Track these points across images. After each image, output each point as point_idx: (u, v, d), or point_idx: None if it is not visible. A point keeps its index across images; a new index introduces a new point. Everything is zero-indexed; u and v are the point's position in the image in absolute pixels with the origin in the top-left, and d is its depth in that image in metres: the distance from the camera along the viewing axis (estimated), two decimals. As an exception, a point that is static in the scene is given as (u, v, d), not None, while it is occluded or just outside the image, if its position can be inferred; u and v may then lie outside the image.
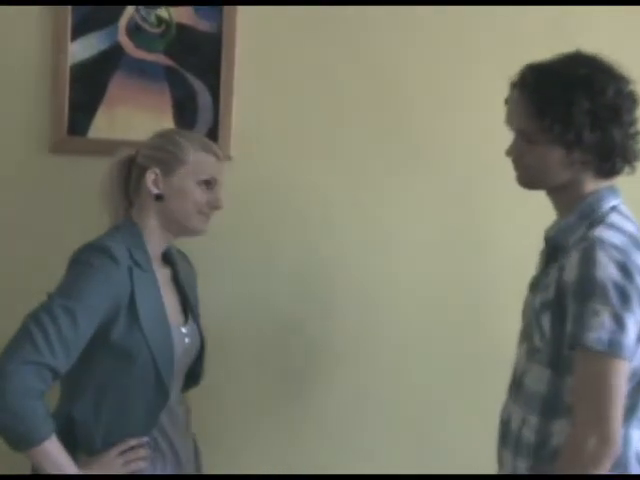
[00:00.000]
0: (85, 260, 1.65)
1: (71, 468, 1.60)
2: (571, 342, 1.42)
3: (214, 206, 1.80)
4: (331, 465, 2.21)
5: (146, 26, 2.15)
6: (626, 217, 1.51)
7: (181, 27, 2.15)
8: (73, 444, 1.65)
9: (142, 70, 2.16)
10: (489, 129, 2.12)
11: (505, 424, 1.59)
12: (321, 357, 2.22)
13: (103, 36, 2.16)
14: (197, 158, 1.77)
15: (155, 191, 1.76)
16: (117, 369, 1.67)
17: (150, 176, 1.75)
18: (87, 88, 2.15)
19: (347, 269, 2.20)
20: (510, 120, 1.57)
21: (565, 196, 1.54)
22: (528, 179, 1.57)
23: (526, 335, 1.59)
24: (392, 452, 2.22)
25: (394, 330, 2.21)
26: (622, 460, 1.44)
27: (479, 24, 2.15)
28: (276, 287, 2.20)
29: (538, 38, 2.09)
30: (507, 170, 2.09)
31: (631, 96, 1.51)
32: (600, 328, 1.37)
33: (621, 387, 1.39)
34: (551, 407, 1.48)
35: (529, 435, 1.50)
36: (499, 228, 2.19)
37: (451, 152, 2.18)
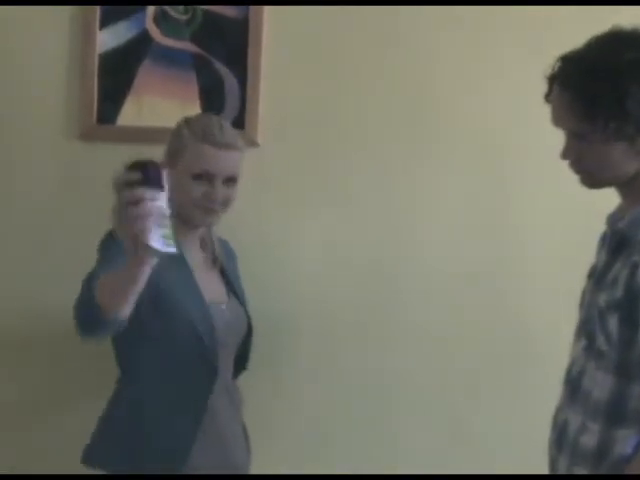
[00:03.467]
0: (110, 239, 1.64)
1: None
2: None
3: (212, 200, 1.74)
4: (362, 452, 2.21)
5: (173, 13, 2.16)
6: None
7: (208, 14, 2.15)
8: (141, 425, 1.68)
9: (169, 58, 2.16)
10: (521, 115, 2.14)
11: (561, 429, 1.49)
12: (350, 342, 2.21)
13: (131, 24, 2.17)
14: (192, 150, 1.74)
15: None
16: (164, 347, 1.69)
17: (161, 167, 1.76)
18: (115, 76, 2.16)
19: (374, 255, 2.19)
20: (558, 121, 1.44)
21: (635, 187, 1.42)
22: (593, 180, 1.45)
23: (586, 332, 1.47)
24: (424, 444, 2.22)
25: (424, 317, 2.19)
26: None
27: (509, 11, 2.13)
28: (305, 272, 2.19)
29: (569, 24, 2.06)
30: (539, 157, 2.11)
31: None
32: None
33: None
34: (615, 415, 1.38)
35: (589, 442, 1.41)
36: (531, 214, 2.17)
37: (482, 138, 2.16)
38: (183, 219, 1.76)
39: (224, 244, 1.95)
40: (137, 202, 1.31)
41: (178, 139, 1.76)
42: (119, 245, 1.42)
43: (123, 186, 1.33)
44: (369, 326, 2.20)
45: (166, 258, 1.56)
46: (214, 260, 1.88)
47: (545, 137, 2.05)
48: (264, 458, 2.02)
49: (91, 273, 1.55)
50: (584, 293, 1.54)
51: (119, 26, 2.17)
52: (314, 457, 2.20)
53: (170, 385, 1.72)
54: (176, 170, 1.73)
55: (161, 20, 2.16)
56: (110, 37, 2.16)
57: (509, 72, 2.14)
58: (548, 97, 1.45)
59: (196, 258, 1.80)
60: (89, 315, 1.46)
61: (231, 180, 1.78)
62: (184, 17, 2.16)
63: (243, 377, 1.94)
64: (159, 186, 1.34)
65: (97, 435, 1.78)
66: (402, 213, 2.19)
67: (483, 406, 2.19)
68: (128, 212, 1.30)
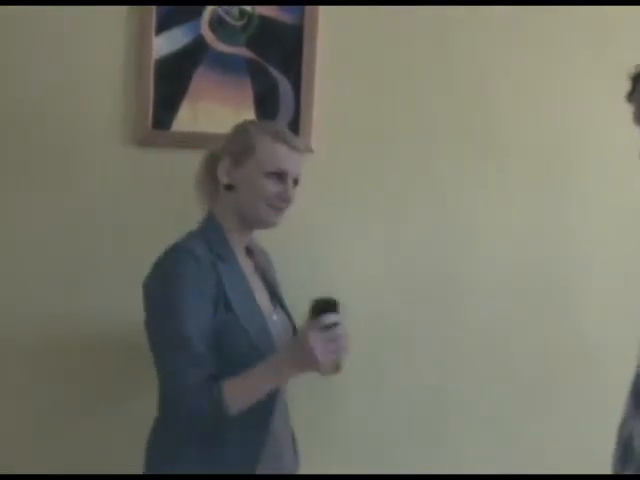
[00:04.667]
0: (169, 268, 1.65)
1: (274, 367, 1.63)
2: None
3: (284, 199, 1.75)
4: (393, 450, 2.20)
5: (229, 19, 2.16)
6: None
7: (263, 19, 2.15)
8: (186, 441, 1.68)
9: (224, 63, 2.17)
10: (572, 125, 2.11)
11: (625, 442, 1.46)
12: (403, 342, 2.19)
13: (186, 30, 2.18)
14: (267, 148, 1.73)
15: (225, 181, 1.75)
16: (225, 363, 1.66)
17: (221, 166, 1.76)
18: (171, 82, 2.17)
19: (431, 267, 2.18)
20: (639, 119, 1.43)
21: None
22: None
23: None
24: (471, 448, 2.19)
25: (484, 332, 2.17)
26: None
27: (565, 23, 2.11)
28: (358, 282, 2.18)
29: (623, 36, 2.03)
30: (599, 169, 2.08)
31: None
32: None
33: None
34: None
35: None
36: (593, 227, 2.15)
37: (535, 149, 2.14)
38: (250, 219, 1.77)
39: (262, 250, 1.95)
40: (335, 339, 1.58)
41: (246, 138, 1.75)
42: (196, 285, 1.61)
43: (323, 328, 1.58)
44: (424, 340, 2.18)
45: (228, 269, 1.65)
46: (258, 267, 1.87)
47: (606, 149, 2.05)
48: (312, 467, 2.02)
49: (182, 335, 1.60)
50: None
51: (175, 31, 2.18)
52: (362, 469, 2.19)
53: None
54: (244, 168, 1.74)
55: (217, 26, 2.17)
56: (166, 42, 2.18)
57: (565, 81, 2.12)
58: (631, 96, 1.44)
59: (246, 267, 1.79)
60: (212, 418, 1.61)
61: (296, 182, 1.79)
62: (240, 23, 2.16)
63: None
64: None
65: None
66: (459, 224, 2.18)
67: (542, 421, 2.17)
68: (329, 347, 1.57)
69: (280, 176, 1.75)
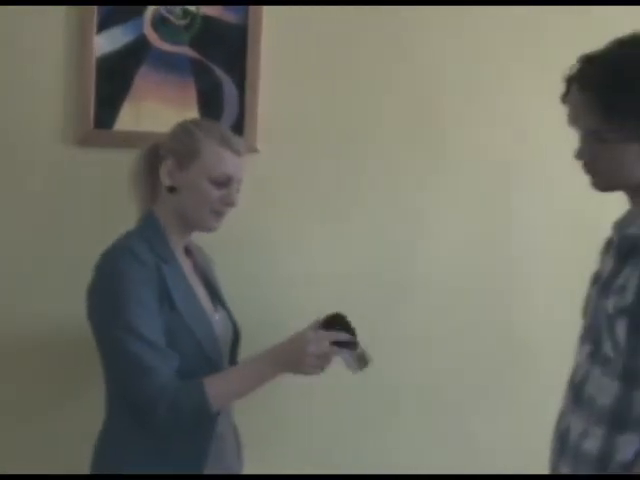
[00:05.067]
0: (114, 269, 1.64)
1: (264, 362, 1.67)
2: None
3: (227, 203, 1.75)
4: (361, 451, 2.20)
5: (171, 18, 2.14)
6: None
7: (207, 19, 2.14)
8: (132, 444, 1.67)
9: (167, 63, 2.14)
10: (522, 125, 2.14)
11: (563, 434, 1.49)
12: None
13: (128, 29, 2.15)
14: (212, 153, 1.72)
15: (168, 183, 1.73)
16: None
17: (164, 168, 1.74)
18: (113, 81, 2.14)
19: (375, 265, 2.19)
20: (575, 121, 1.44)
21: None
22: (606, 182, 1.45)
23: (591, 338, 1.47)
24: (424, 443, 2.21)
25: (424, 329, 2.19)
26: None
27: (509, 25, 2.15)
28: (304, 280, 2.18)
29: (565, 36, 2.08)
30: (544, 172, 2.11)
31: None
32: None
33: None
34: (619, 420, 1.38)
35: (591, 448, 1.41)
36: (533, 227, 2.18)
37: (482, 142, 2.17)
38: (191, 222, 1.76)
39: (201, 250, 1.93)
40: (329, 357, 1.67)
41: (191, 141, 1.73)
42: (141, 281, 1.61)
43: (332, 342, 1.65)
44: (371, 340, 2.18)
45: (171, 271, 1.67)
46: (197, 268, 1.85)
47: (550, 152, 2.09)
48: (256, 463, 2.01)
49: (135, 332, 1.59)
50: (588, 300, 1.54)
51: (116, 30, 2.15)
52: (305, 461, 2.20)
53: None
54: (189, 172, 1.73)
55: (159, 25, 2.14)
56: (107, 41, 2.14)
57: (516, 86, 2.15)
58: (565, 98, 1.45)
59: (185, 267, 1.78)
60: (194, 415, 1.62)
61: (239, 185, 1.79)
62: (183, 22, 2.15)
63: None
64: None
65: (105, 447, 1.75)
66: (404, 223, 2.19)
67: (485, 416, 2.20)
68: (320, 362, 1.65)
69: (224, 181, 1.73)
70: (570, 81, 1.44)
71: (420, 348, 2.19)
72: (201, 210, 1.73)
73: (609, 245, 1.55)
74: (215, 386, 1.62)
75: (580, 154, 1.45)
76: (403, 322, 2.18)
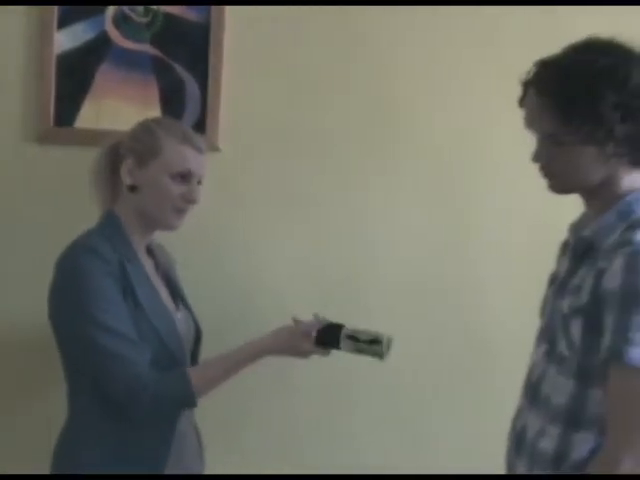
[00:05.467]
0: (76, 267, 1.63)
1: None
2: (609, 356, 1.32)
3: (189, 200, 1.75)
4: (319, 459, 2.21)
5: (133, 15, 2.13)
6: None
7: (169, 17, 2.13)
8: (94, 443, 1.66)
9: (129, 60, 2.13)
10: (474, 121, 2.16)
11: (519, 433, 1.50)
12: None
13: (89, 26, 2.13)
14: (172, 150, 1.72)
15: (128, 182, 1.73)
16: None
17: (124, 167, 1.73)
18: (73, 78, 2.13)
19: (334, 261, 2.19)
20: (531, 124, 1.45)
21: (601, 194, 1.44)
22: (562, 185, 1.46)
23: (547, 337, 1.49)
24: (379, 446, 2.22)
25: (379, 318, 2.19)
26: None
27: (463, 25, 2.15)
28: (265, 278, 2.18)
29: (525, 34, 2.10)
30: (498, 169, 2.14)
31: None
32: None
33: None
34: (574, 419, 1.40)
35: (547, 446, 1.43)
36: (490, 226, 2.19)
37: (438, 142, 2.18)
38: (153, 221, 1.75)
39: (162, 249, 1.93)
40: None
41: (152, 139, 1.73)
42: (104, 277, 1.61)
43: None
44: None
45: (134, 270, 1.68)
46: (158, 267, 1.85)
47: (506, 153, 2.11)
48: (218, 462, 2.01)
49: (109, 329, 1.60)
50: (545, 300, 1.56)
51: (77, 27, 2.13)
52: (269, 459, 2.20)
53: None
54: (149, 169, 1.72)
55: (121, 22, 2.13)
56: (68, 38, 2.13)
57: (472, 86, 2.16)
58: (522, 101, 1.47)
59: (147, 266, 1.78)
60: (181, 407, 1.69)
61: (200, 182, 1.79)
62: (144, 20, 2.13)
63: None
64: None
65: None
66: (362, 215, 2.20)
67: (444, 415, 2.21)
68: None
69: (185, 177, 1.73)
70: (527, 85, 1.45)
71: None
72: (162, 207, 1.73)
73: (565, 247, 1.58)
74: (198, 374, 1.67)
75: (537, 157, 1.47)
76: (360, 322, 2.19)
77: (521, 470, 1.48)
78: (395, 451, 2.22)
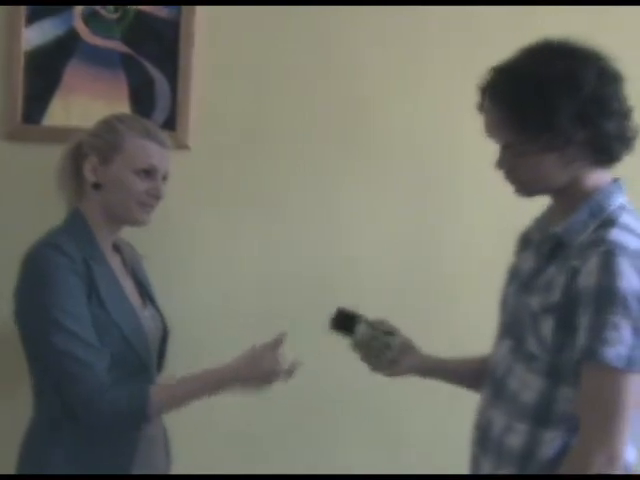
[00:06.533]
0: (41, 266, 1.63)
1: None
2: (584, 355, 1.32)
3: (154, 196, 1.74)
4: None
5: (103, 12, 2.12)
6: (636, 218, 1.41)
7: (139, 13, 2.12)
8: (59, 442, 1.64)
9: (98, 57, 2.12)
10: (447, 121, 2.16)
11: (484, 430, 1.50)
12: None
13: (58, 22, 2.12)
14: (134, 145, 1.72)
15: (92, 180, 1.72)
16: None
17: (87, 165, 1.73)
18: (42, 75, 2.11)
19: (305, 260, 2.19)
20: (490, 132, 1.45)
21: (569, 194, 1.44)
22: (528, 190, 1.46)
23: (512, 333, 1.49)
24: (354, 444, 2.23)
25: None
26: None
27: (435, 26, 2.16)
28: (234, 276, 2.18)
29: (501, 33, 2.11)
30: (468, 167, 2.15)
31: (615, 76, 1.39)
32: (619, 343, 1.29)
33: (633, 401, 1.32)
34: (543, 416, 1.40)
35: (514, 443, 1.42)
36: (457, 220, 2.19)
37: (410, 145, 2.18)
38: (120, 218, 1.75)
39: (130, 246, 1.92)
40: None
41: (114, 135, 1.73)
42: (69, 277, 1.59)
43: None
44: (298, 330, 2.18)
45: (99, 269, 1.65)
46: (125, 264, 1.84)
47: (474, 147, 2.11)
48: (185, 461, 2.00)
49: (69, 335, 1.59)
50: (506, 294, 1.55)
51: (45, 23, 2.12)
52: (237, 459, 2.19)
53: None
54: (112, 166, 1.72)
55: (90, 18, 2.12)
56: (36, 34, 2.11)
57: (441, 82, 2.17)
58: (481, 107, 1.46)
59: (114, 264, 1.77)
60: (133, 422, 1.64)
61: (165, 178, 1.78)
62: (114, 16, 2.12)
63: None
64: None
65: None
66: (331, 217, 2.20)
67: (413, 408, 2.21)
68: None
69: (149, 173, 1.73)
70: (484, 91, 1.45)
71: (340, 349, 2.20)
72: (127, 203, 1.72)
73: (526, 241, 1.57)
74: (163, 394, 1.65)
75: (499, 164, 1.47)
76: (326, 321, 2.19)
77: (486, 466, 1.48)
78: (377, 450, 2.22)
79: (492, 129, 1.44)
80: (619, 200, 1.43)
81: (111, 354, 1.64)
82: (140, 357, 1.70)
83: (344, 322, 1.70)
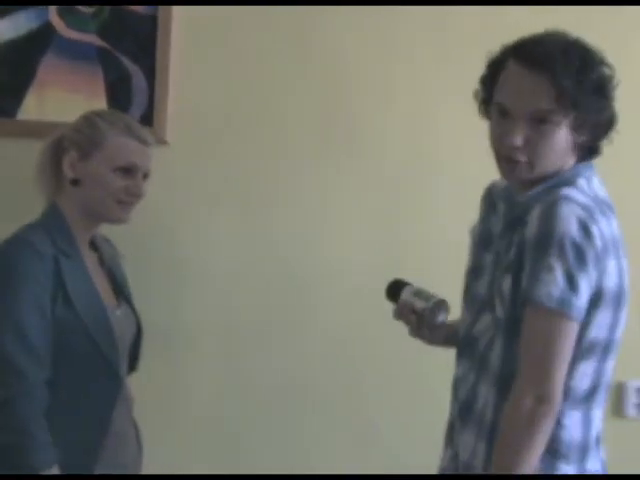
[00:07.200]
0: (10, 264, 1.60)
1: None
2: (523, 298, 1.35)
3: (133, 194, 1.72)
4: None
5: (78, 5, 2.09)
6: (595, 184, 1.45)
7: (115, 7, 2.09)
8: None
9: (74, 51, 2.09)
10: (423, 116, 2.17)
11: (467, 404, 1.49)
12: (253, 343, 2.19)
13: (33, 15, 2.09)
14: (115, 142, 1.70)
15: (71, 175, 1.70)
16: (63, 362, 1.62)
17: (67, 160, 1.71)
18: (15, 69, 2.09)
19: (281, 257, 2.18)
20: (522, 101, 1.42)
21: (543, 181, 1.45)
22: (529, 169, 1.43)
23: (492, 307, 1.47)
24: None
25: (328, 320, 2.20)
26: (583, 441, 1.41)
27: (415, 24, 2.16)
28: (211, 272, 2.16)
29: (471, 34, 2.12)
30: (442, 162, 2.15)
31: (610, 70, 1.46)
32: (552, 284, 1.32)
33: (566, 348, 1.34)
34: (505, 381, 1.40)
35: (489, 414, 1.44)
36: (435, 220, 2.19)
37: (386, 140, 2.18)
38: (97, 215, 1.73)
39: (109, 244, 1.90)
40: None
41: (95, 131, 1.70)
42: (35, 278, 1.57)
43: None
44: (271, 326, 2.19)
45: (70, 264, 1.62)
46: (102, 261, 1.83)
47: (452, 146, 2.13)
48: (157, 457, 1.99)
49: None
50: (475, 258, 1.56)
51: (19, 16, 2.10)
52: (212, 457, 2.18)
53: (73, 399, 1.65)
54: (92, 162, 1.70)
55: (66, 12, 2.09)
56: (9, 27, 2.09)
57: (419, 82, 2.17)
58: (484, 84, 1.50)
59: (89, 261, 1.75)
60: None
61: (146, 176, 1.76)
62: (90, 10, 2.09)
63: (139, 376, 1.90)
64: None
65: None
66: (310, 215, 2.19)
67: (383, 403, 2.20)
68: None
69: (129, 170, 1.71)
70: (521, 61, 1.44)
71: (324, 346, 2.21)
72: (105, 201, 1.70)
73: (492, 205, 1.57)
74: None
75: (515, 138, 1.43)
76: (304, 320, 2.19)
77: (468, 442, 1.47)
78: (339, 444, 2.22)
79: (527, 97, 1.42)
80: (585, 174, 1.45)
81: (76, 355, 1.63)
82: (106, 358, 1.67)
83: (393, 290, 1.71)
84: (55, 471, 1.56)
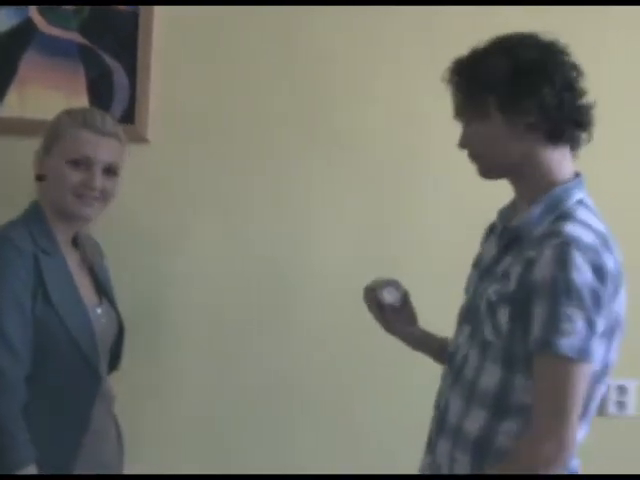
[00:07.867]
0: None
1: None
2: (538, 346, 1.35)
3: (90, 187, 1.68)
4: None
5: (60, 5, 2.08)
6: (593, 213, 1.44)
7: (96, 4, 2.08)
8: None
9: (55, 48, 2.08)
10: (410, 116, 2.17)
11: (442, 412, 1.53)
12: (237, 341, 2.19)
13: (13, 11, 2.08)
14: (69, 135, 1.68)
15: (35, 171, 1.71)
16: (42, 359, 1.61)
17: (35, 156, 1.72)
18: (-4, 65, 2.07)
19: (264, 256, 2.18)
20: (457, 112, 1.50)
21: (527, 181, 1.47)
22: (486, 165, 1.48)
23: (471, 318, 1.52)
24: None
25: (313, 318, 2.20)
26: None
27: (396, 21, 2.17)
28: (193, 271, 2.16)
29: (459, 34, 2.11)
30: (428, 161, 2.16)
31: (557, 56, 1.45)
32: (573, 335, 1.33)
33: (583, 391, 1.36)
34: (502, 406, 1.43)
35: (472, 429, 1.45)
36: (424, 214, 2.20)
37: (373, 140, 2.18)
38: (60, 210, 1.71)
39: (92, 242, 1.90)
40: None
41: (55, 126, 1.71)
42: (15, 274, 1.56)
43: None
44: (257, 326, 2.18)
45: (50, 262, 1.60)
46: (84, 259, 1.82)
47: (438, 145, 2.13)
48: (147, 457, 1.98)
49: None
50: (469, 281, 1.59)
51: (0, 13, 2.07)
52: (202, 457, 2.18)
53: (52, 398, 1.64)
54: (50, 156, 1.70)
55: (47, 9, 2.08)
56: (-11, 24, 2.07)
57: (405, 82, 2.17)
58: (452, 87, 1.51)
59: (71, 259, 1.74)
60: None
61: (111, 171, 1.72)
62: (71, 7, 2.08)
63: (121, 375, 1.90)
64: None
65: None
66: (295, 213, 2.19)
67: (369, 402, 2.22)
68: None
69: (82, 163, 1.68)
70: (455, 71, 1.50)
71: (311, 345, 2.21)
72: (63, 195, 1.68)
73: (491, 230, 1.61)
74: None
75: (461, 142, 1.50)
76: (291, 320, 2.19)
77: (444, 448, 1.50)
78: (323, 441, 2.22)
79: (459, 108, 1.49)
80: (578, 195, 1.45)
81: (55, 352, 1.63)
82: (86, 356, 1.67)
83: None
84: (32, 470, 1.55)
